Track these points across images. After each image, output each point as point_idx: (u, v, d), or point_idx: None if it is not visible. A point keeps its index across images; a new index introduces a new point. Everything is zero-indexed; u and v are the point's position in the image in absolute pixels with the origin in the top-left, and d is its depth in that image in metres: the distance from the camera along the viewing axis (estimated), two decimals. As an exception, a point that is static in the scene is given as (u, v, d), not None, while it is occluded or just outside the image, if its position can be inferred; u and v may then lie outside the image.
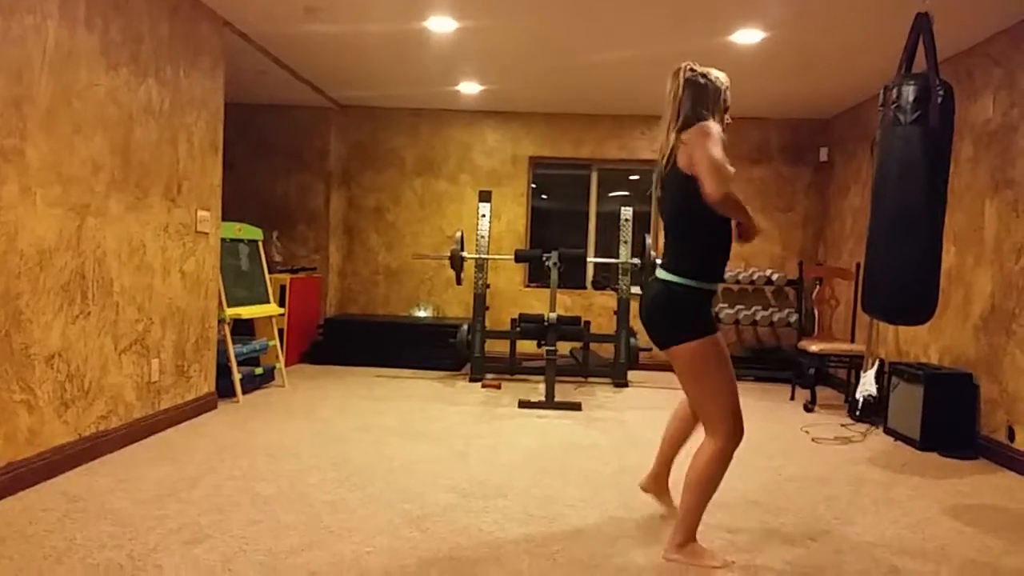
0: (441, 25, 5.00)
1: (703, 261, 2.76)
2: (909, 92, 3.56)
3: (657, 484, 3.29)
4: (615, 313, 6.73)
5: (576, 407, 5.48)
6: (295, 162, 7.67)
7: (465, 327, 6.64)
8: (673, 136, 2.82)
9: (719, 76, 2.88)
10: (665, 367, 7.44)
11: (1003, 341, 4.44)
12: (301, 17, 4.95)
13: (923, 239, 3.60)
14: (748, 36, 4.97)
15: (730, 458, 2.77)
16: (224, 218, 5.19)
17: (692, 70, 2.86)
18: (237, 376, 5.29)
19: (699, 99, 2.82)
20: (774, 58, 5.42)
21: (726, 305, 7.43)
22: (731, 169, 2.58)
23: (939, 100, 3.53)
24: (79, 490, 3.30)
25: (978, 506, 3.62)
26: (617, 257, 6.70)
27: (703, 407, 2.79)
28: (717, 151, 2.57)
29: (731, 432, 2.77)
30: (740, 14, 4.62)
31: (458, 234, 6.56)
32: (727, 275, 7.35)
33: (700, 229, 2.73)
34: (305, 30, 5.21)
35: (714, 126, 2.69)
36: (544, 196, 8.18)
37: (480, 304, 6.56)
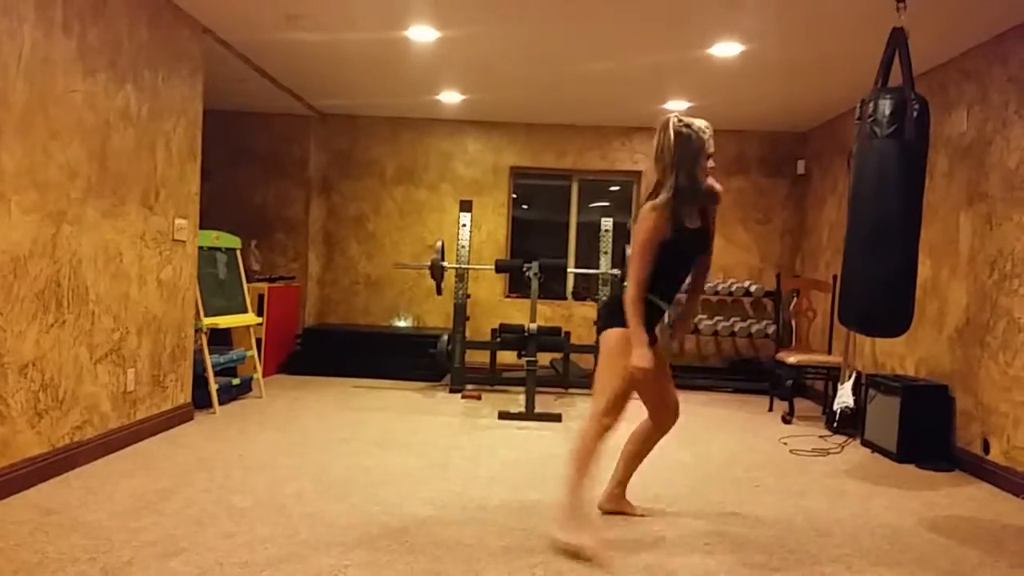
0: (422, 34, 5.00)
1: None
2: (885, 106, 3.61)
3: (617, 502, 3.47)
4: (595, 323, 6.74)
5: (556, 418, 5.47)
6: (274, 170, 7.63)
7: (445, 337, 6.61)
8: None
9: (701, 126, 3.04)
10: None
11: (978, 353, 4.49)
12: (282, 25, 4.93)
13: (899, 251, 3.64)
14: (726, 49, 5.01)
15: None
16: (202, 226, 5.15)
17: (679, 121, 3.02)
18: (214, 386, 5.24)
19: (686, 153, 3.00)
20: (752, 71, 5.47)
21: (705, 316, 7.47)
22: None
23: (915, 114, 3.57)
24: (52, 502, 3.25)
25: (954, 518, 3.65)
26: (597, 268, 6.72)
27: None
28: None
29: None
30: (719, 27, 4.66)
31: (439, 244, 6.55)
32: (707, 287, 7.39)
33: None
34: (286, 38, 5.19)
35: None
36: (525, 206, 8.20)
37: (460, 314, 6.54)
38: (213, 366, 5.28)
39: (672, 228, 2.98)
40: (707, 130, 3.05)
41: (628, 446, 3.43)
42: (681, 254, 3.11)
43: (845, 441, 5.21)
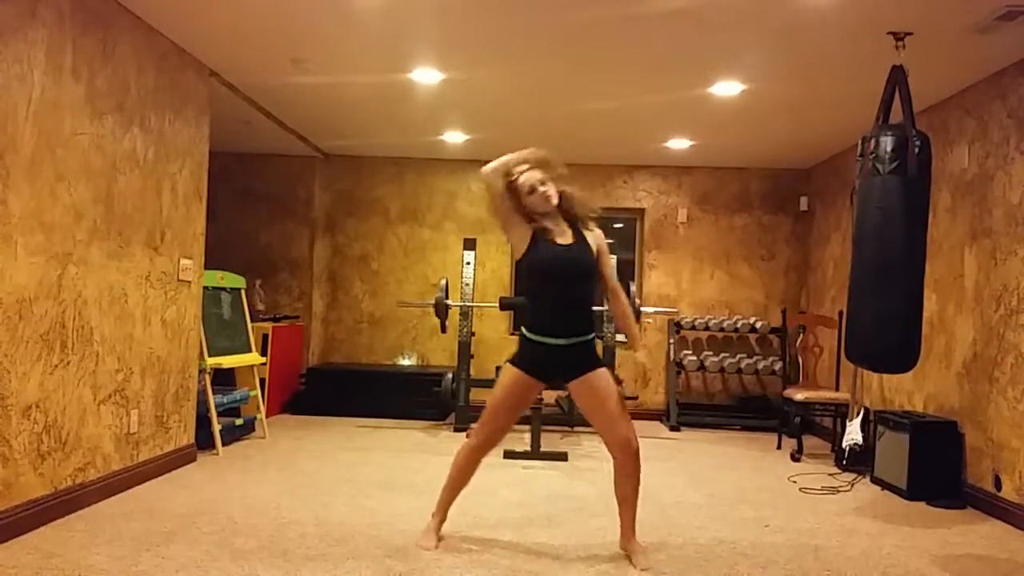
0: (426, 77, 5.06)
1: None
2: (887, 142, 3.64)
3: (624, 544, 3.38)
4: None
5: (562, 457, 5.42)
6: (279, 210, 7.67)
7: (450, 376, 6.59)
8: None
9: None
10: (652, 416, 7.41)
11: (986, 389, 4.45)
12: (287, 68, 5.00)
13: (904, 287, 3.64)
14: (727, 88, 5.06)
15: None
16: (207, 266, 5.17)
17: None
18: (217, 427, 5.20)
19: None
20: (753, 109, 5.51)
21: (711, 353, 7.43)
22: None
23: (916, 150, 3.60)
24: (53, 545, 3.21)
25: (967, 557, 3.59)
26: (601, 305, 6.70)
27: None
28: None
29: None
30: (719, 67, 4.71)
31: (443, 282, 6.55)
32: (711, 322, 7.38)
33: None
34: (291, 81, 5.25)
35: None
36: (528, 244, 8.20)
37: (465, 352, 6.52)
38: (216, 406, 5.26)
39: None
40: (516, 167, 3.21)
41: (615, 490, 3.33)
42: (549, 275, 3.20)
43: (855, 479, 5.15)
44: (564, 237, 3.23)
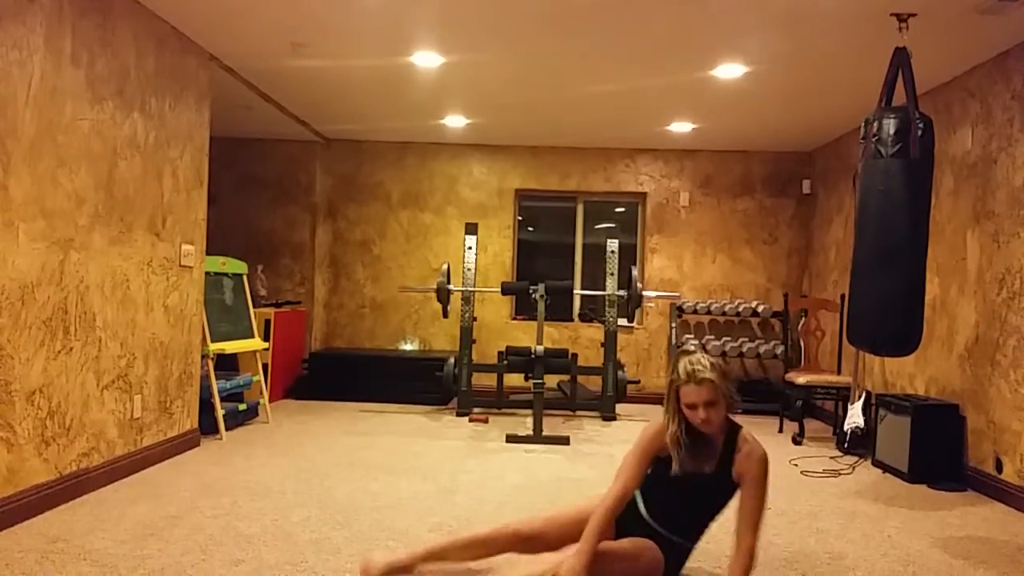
0: (427, 60, 5.04)
1: None
2: (890, 125, 3.62)
3: None
4: (602, 345, 6.72)
5: (564, 441, 5.44)
6: (280, 195, 7.66)
7: (452, 360, 6.60)
8: None
9: (677, 365, 2.68)
10: (654, 400, 7.42)
11: (988, 372, 4.46)
12: (288, 52, 4.97)
13: (906, 270, 3.63)
14: (730, 71, 5.03)
15: None
16: (208, 252, 5.16)
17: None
18: (220, 412, 5.22)
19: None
20: (756, 92, 5.48)
21: (713, 337, 7.43)
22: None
23: (919, 133, 3.58)
24: (58, 530, 3.23)
25: (968, 538, 3.60)
26: (604, 289, 6.71)
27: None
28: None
29: None
30: (722, 49, 4.68)
31: (444, 267, 6.55)
32: (713, 306, 7.38)
33: None
34: (291, 65, 5.23)
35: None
36: (530, 228, 8.21)
37: (467, 337, 6.53)
38: (219, 392, 5.27)
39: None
40: (683, 370, 2.65)
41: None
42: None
43: (856, 462, 5.16)
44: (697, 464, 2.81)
